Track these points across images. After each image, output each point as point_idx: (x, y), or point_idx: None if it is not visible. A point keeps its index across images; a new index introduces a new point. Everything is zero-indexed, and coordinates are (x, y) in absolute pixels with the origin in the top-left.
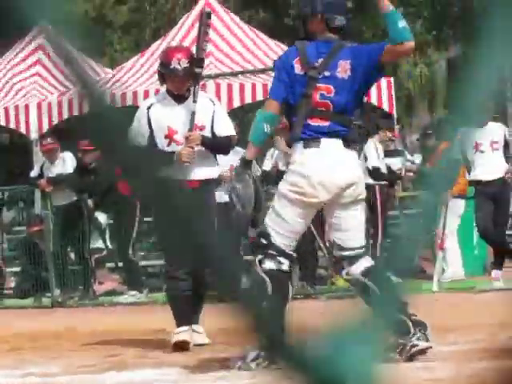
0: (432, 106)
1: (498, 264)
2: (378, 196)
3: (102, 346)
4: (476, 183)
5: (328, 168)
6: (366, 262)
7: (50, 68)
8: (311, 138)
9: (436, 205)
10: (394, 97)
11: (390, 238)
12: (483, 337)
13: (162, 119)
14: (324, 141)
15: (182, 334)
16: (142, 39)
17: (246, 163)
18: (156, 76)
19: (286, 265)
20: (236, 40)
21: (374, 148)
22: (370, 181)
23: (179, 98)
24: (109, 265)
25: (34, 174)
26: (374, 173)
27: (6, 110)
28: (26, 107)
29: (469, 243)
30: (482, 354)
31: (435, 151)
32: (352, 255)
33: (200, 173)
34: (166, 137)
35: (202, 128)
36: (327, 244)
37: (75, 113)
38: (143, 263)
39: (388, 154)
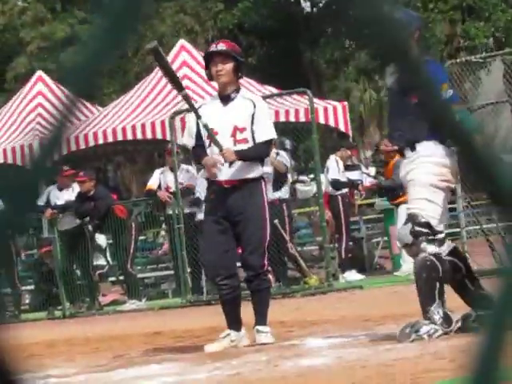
0: (381, 126)
1: None
2: (340, 204)
3: (110, 348)
4: None
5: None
6: None
7: (50, 110)
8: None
9: (391, 210)
10: (348, 118)
11: (352, 241)
12: None
13: (206, 120)
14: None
15: (218, 343)
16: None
17: None
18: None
19: (445, 247)
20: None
21: (335, 163)
22: (333, 191)
23: (225, 99)
24: (111, 279)
25: (41, 202)
26: (333, 184)
27: (13, 149)
28: (30, 146)
29: None
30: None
31: (388, 165)
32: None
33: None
34: (207, 137)
35: (242, 130)
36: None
37: (73, 149)
38: (140, 275)
39: (347, 168)
